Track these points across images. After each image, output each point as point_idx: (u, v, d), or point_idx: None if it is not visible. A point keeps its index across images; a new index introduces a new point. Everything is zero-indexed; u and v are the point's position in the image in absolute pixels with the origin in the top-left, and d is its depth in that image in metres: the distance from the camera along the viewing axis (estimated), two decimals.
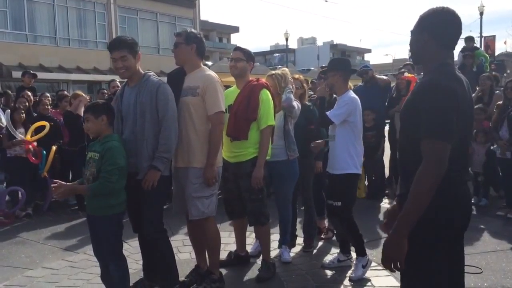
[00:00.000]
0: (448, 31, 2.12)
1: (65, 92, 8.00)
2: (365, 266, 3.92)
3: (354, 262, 4.03)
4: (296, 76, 4.71)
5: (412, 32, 2.23)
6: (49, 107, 6.93)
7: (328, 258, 4.32)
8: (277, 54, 44.77)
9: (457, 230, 2.18)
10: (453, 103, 1.97)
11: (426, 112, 1.97)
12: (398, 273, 2.17)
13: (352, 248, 4.11)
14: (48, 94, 7.37)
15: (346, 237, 4.10)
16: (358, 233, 3.99)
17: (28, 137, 6.01)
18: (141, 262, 3.83)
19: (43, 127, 6.13)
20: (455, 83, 2.04)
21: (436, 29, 2.11)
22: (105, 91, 8.34)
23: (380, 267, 4.08)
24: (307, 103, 4.70)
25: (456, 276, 2.26)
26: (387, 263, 2.02)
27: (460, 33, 2.17)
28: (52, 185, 3.17)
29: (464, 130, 2.07)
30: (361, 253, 3.96)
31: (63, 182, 3.19)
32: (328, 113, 3.89)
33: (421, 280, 2.08)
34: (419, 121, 1.99)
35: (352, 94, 3.98)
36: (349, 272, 3.97)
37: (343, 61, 4.15)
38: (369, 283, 3.83)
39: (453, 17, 2.11)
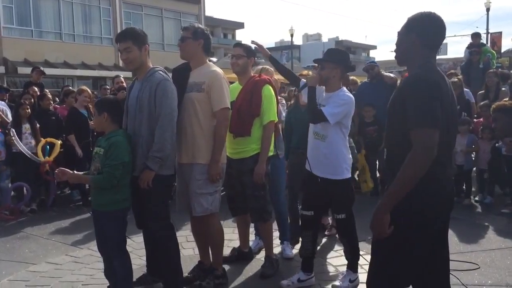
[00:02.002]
0: (434, 34, 2.25)
1: (71, 88, 8.02)
2: (353, 282, 3.68)
3: (343, 273, 3.80)
4: (305, 72, 4.66)
5: (399, 33, 2.33)
6: (51, 102, 6.95)
7: (287, 278, 3.82)
8: (285, 52, 44.67)
9: (439, 222, 2.26)
10: (436, 93, 2.08)
11: (412, 102, 2.08)
12: None
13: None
14: (47, 91, 7.42)
15: (314, 256, 3.81)
16: (357, 248, 3.77)
17: (48, 158, 6.06)
18: (144, 257, 3.84)
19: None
20: (438, 77, 2.15)
21: (423, 30, 2.22)
22: (107, 87, 8.35)
23: None
24: None
25: (438, 264, 2.37)
26: (374, 234, 2.21)
27: (444, 37, 2.30)
28: (56, 171, 3.18)
29: (446, 124, 2.13)
30: (353, 268, 3.74)
31: (67, 170, 3.17)
32: (324, 109, 3.46)
33: (396, 262, 2.22)
34: (406, 114, 2.09)
35: (349, 93, 3.64)
36: (336, 282, 3.70)
37: (345, 54, 3.73)
38: None
39: (439, 21, 2.25)
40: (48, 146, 6.26)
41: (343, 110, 3.47)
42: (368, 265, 3.51)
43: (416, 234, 2.16)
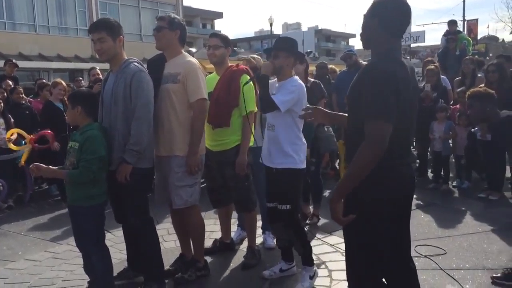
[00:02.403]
0: (397, 20, 2.21)
1: (45, 81, 7.85)
2: (312, 277, 3.57)
3: (301, 272, 3.63)
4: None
5: (364, 16, 2.30)
6: (21, 95, 6.80)
7: (269, 268, 3.80)
8: (265, 42, 44.59)
9: (400, 210, 2.29)
10: (391, 85, 2.05)
11: (366, 93, 2.09)
12: None
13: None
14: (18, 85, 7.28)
15: (293, 244, 3.66)
16: (307, 240, 3.61)
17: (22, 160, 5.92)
18: (125, 252, 3.80)
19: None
20: (397, 67, 2.12)
21: (386, 16, 2.19)
22: (81, 79, 8.21)
23: None
24: None
25: (399, 249, 2.38)
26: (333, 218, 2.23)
27: (408, 22, 2.25)
28: (30, 166, 3.11)
29: (406, 113, 2.15)
30: (308, 262, 3.59)
31: (41, 165, 3.09)
32: (274, 97, 3.34)
33: (364, 247, 2.27)
34: (361, 102, 2.11)
35: (300, 80, 3.52)
36: (298, 285, 3.54)
37: (295, 43, 3.59)
38: None
39: (404, 7, 2.20)
40: (24, 142, 6.13)
41: (293, 97, 3.36)
42: (307, 274, 3.55)
43: (379, 222, 2.19)
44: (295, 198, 3.52)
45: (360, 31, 2.34)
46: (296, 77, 3.53)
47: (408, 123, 2.20)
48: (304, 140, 3.54)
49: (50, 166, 3.16)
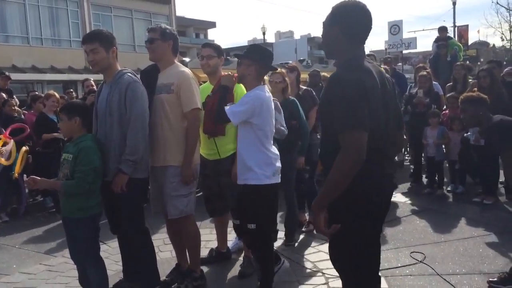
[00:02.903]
0: (359, 26, 2.17)
1: (37, 93, 7.82)
2: None
3: None
4: (278, 70, 4.64)
5: (324, 24, 2.24)
6: (15, 108, 6.78)
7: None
8: None
9: (376, 218, 2.27)
10: (360, 93, 2.01)
11: (336, 105, 2.04)
12: None
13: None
14: (14, 96, 7.24)
15: (257, 267, 3.45)
16: (271, 268, 3.40)
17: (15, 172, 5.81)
18: (121, 263, 3.77)
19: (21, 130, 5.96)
20: (364, 75, 2.08)
21: (346, 23, 2.15)
22: (72, 91, 8.21)
23: None
24: (290, 97, 4.66)
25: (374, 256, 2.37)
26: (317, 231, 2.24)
27: (370, 28, 2.20)
28: (26, 179, 3.10)
29: (377, 121, 2.10)
30: None
31: (37, 177, 3.09)
32: (227, 108, 3.19)
33: (346, 255, 2.26)
34: (332, 117, 2.07)
35: (263, 91, 3.26)
36: None
37: (263, 52, 3.39)
38: None
39: (364, 12, 2.16)
40: (17, 154, 6.07)
41: (246, 109, 3.13)
42: None
43: (357, 231, 2.17)
44: (262, 218, 3.24)
45: (322, 40, 2.29)
46: (262, 88, 3.29)
47: (382, 129, 2.14)
48: (273, 152, 3.30)
49: (45, 178, 3.15)
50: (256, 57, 3.30)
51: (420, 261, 4.02)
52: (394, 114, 2.28)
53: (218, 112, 3.28)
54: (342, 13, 2.16)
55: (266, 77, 4.56)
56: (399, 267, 3.96)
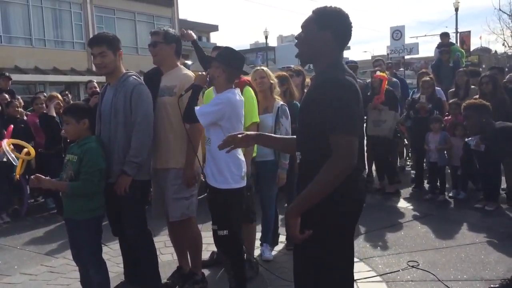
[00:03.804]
0: (347, 32, 2.17)
1: (38, 94, 7.80)
2: None
3: None
4: (259, 67, 4.59)
5: (306, 27, 2.18)
6: (19, 109, 6.79)
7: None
8: (260, 54, 44.81)
9: (350, 223, 2.19)
10: (355, 98, 2.03)
11: (332, 108, 1.98)
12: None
13: None
14: (19, 97, 7.23)
15: (228, 273, 3.34)
16: (243, 276, 3.33)
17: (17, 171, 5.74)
18: (122, 265, 3.78)
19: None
20: (352, 79, 2.09)
21: (338, 29, 2.14)
22: (67, 93, 8.23)
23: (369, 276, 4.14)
24: (295, 101, 4.66)
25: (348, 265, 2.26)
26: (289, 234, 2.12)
27: (351, 35, 2.21)
28: (31, 177, 3.10)
29: (362, 125, 2.15)
30: None
31: (42, 176, 3.08)
32: (197, 108, 3.11)
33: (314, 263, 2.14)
34: (323, 118, 2.00)
35: (234, 95, 3.17)
36: None
37: (233, 56, 3.26)
38: None
39: (348, 18, 2.17)
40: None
41: (216, 110, 3.08)
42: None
43: (335, 239, 2.09)
44: (233, 223, 3.18)
45: (302, 44, 2.21)
46: (233, 91, 3.19)
47: (361, 134, 2.17)
48: (241, 155, 3.25)
49: (49, 178, 3.16)
50: (224, 59, 3.21)
51: (412, 266, 4.00)
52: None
53: (188, 111, 3.18)
54: (332, 18, 2.14)
55: (248, 77, 4.50)
56: (397, 271, 3.96)
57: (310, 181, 2.01)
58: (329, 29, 2.12)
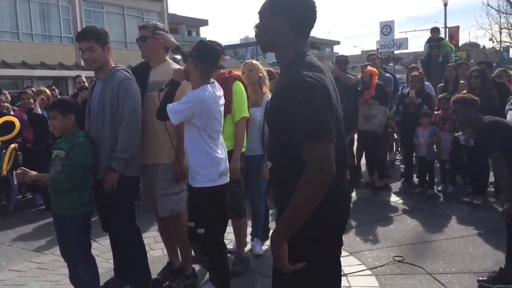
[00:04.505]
0: (305, 17, 1.88)
1: (26, 89, 7.69)
2: None
3: None
4: (248, 60, 4.55)
5: (261, 13, 1.94)
6: (6, 104, 6.70)
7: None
8: (250, 49, 44.72)
9: (336, 232, 1.96)
10: (323, 97, 1.73)
11: (299, 113, 1.70)
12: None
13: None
14: (6, 92, 7.12)
15: (210, 270, 3.33)
16: (225, 271, 3.29)
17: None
18: (112, 261, 3.76)
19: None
20: (321, 74, 1.80)
21: (294, 14, 1.86)
22: (54, 88, 8.07)
23: (359, 270, 4.16)
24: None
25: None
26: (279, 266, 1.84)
27: (316, 18, 1.91)
28: (18, 171, 3.06)
29: (341, 126, 1.88)
30: None
31: (27, 169, 3.04)
32: (169, 106, 2.98)
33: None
34: (291, 125, 1.73)
35: (203, 91, 3.01)
36: None
37: (205, 50, 3.10)
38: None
39: (311, 2, 1.89)
40: (4, 151, 6.00)
41: (186, 108, 2.95)
42: None
43: (318, 248, 1.85)
44: (209, 222, 3.11)
45: (259, 33, 1.96)
46: (204, 88, 3.03)
47: (341, 137, 1.86)
48: (219, 152, 3.13)
49: (34, 172, 3.12)
50: (195, 55, 3.07)
51: (398, 261, 4.04)
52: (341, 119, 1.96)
53: (161, 108, 3.07)
54: (286, 2, 1.86)
55: (238, 71, 4.39)
56: (387, 264, 3.98)
57: (283, 196, 1.80)
58: (283, 15, 1.86)
